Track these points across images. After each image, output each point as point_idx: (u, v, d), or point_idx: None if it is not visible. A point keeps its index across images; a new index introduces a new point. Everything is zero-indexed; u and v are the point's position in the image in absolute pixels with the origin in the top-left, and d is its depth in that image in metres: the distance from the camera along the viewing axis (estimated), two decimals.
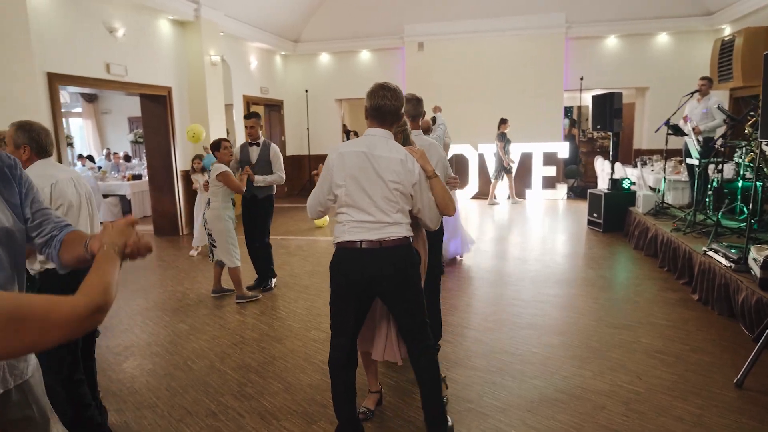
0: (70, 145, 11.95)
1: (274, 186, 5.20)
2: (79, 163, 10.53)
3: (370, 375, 2.99)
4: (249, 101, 10.69)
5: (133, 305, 5.00)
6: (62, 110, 13.64)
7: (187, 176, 8.25)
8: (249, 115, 5.16)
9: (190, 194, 8.28)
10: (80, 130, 13.79)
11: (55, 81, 5.82)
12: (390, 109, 2.44)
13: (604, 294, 4.95)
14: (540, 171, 11.16)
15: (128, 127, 13.92)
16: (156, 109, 7.84)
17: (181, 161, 8.18)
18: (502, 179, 10.65)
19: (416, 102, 3.58)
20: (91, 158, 11.30)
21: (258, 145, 5.15)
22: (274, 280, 5.39)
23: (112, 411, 3.06)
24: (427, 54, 11.74)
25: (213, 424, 2.91)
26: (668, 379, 3.26)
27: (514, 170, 10.70)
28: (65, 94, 12.98)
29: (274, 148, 4.95)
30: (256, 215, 5.13)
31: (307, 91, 12.46)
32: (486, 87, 11.55)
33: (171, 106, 7.91)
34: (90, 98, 13.18)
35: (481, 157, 11.37)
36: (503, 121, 10.25)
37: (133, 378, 3.48)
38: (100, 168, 10.27)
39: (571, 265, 5.97)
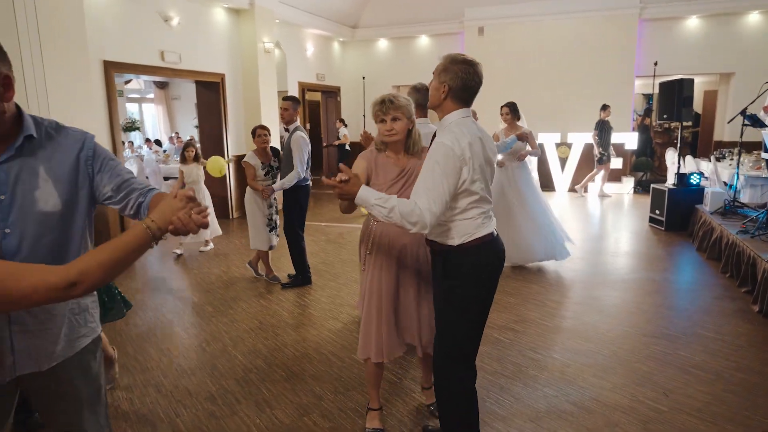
0: (138, 129, 12.67)
1: (302, 176, 4.87)
2: (145, 147, 11.14)
3: (426, 368, 2.90)
4: (304, 88, 10.81)
5: (167, 285, 5.20)
6: (137, 96, 14.51)
7: (239, 161, 8.48)
8: (285, 98, 5.03)
9: (242, 178, 8.51)
10: (152, 116, 14.60)
11: (110, 69, 6.12)
12: (478, 88, 2.17)
13: (650, 299, 4.55)
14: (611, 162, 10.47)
15: (195, 112, 14.54)
16: (209, 95, 8.10)
17: (232, 146, 8.41)
18: (599, 171, 10.04)
19: (426, 92, 3.43)
20: (158, 142, 11.92)
21: (288, 131, 5.05)
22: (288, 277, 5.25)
23: (121, 387, 3.18)
24: (487, 39, 11.31)
25: (209, 407, 2.95)
26: (700, 399, 2.93)
27: (609, 162, 9.96)
28: (140, 82, 13.76)
29: (296, 136, 4.71)
30: (285, 206, 5.00)
31: (364, 77, 12.42)
32: (548, 73, 10.98)
33: (224, 92, 8.13)
34: (161, 85, 13.89)
35: (541, 147, 10.85)
36: (603, 107, 9.63)
37: (148, 356, 3.60)
38: (164, 151, 10.81)
39: (620, 266, 5.54)
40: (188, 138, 11.26)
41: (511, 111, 5.49)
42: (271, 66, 8.86)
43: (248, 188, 4.98)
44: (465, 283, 2.16)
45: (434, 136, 2.21)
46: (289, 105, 4.86)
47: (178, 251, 6.28)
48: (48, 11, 4.95)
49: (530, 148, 5.44)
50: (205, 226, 1.35)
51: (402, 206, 1.95)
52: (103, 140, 6.09)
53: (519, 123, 5.53)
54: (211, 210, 6.08)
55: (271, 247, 5.11)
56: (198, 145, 6.48)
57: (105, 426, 1.66)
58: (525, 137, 5.36)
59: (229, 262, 5.95)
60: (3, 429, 1.52)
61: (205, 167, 6.00)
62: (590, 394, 3.01)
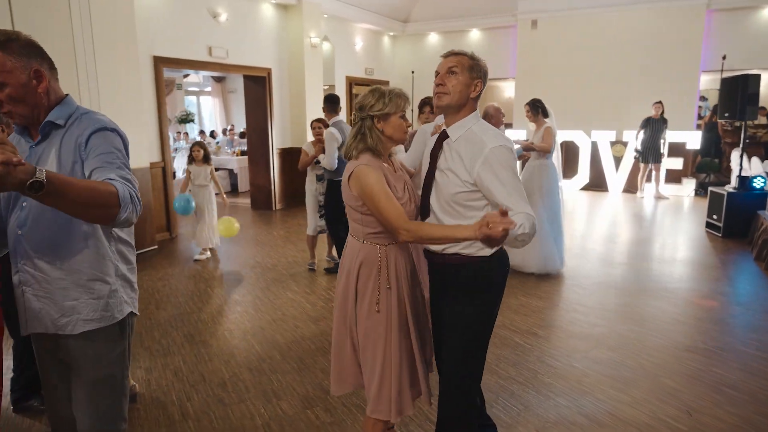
0: (192, 121, 13.18)
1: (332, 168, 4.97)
2: (199, 138, 11.59)
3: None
4: (352, 82, 10.87)
5: (202, 273, 5.40)
6: (196, 89, 15.10)
7: (283, 153, 8.67)
8: (325, 97, 5.28)
9: (285, 170, 8.71)
10: (209, 108, 15.17)
11: (160, 64, 6.39)
12: None
13: (693, 310, 4.26)
14: (663, 163, 9.91)
15: None
16: (256, 89, 8.30)
17: (277, 139, 8.59)
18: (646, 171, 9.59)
19: None
20: (212, 134, 12.37)
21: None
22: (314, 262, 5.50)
23: (141, 368, 3.34)
24: (540, 32, 10.94)
25: (219, 393, 3.04)
26: (728, 421, 2.71)
27: (658, 163, 9.44)
28: (199, 76, 14.31)
29: (329, 130, 4.84)
30: (325, 197, 5.11)
31: (413, 72, 12.33)
32: (604, 68, 10.48)
33: (270, 86, 8.31)
34: (218, 79, 14.39)
35: (594, 145, 10.43)
36: (655, 104, 9.18)
37: (172, 341, 3.75)
38: (217, 143, 11.21)
39: (665, 273, 5.23)
40: (196, 138, 11.53)
41: (531, 109, 5.25)
42: (318, 60, 8.96)
43: (308, 175, 5.27)
44: (497, 298, 1.99)
45: (440, 136, 1.98)
46: (324, 107, 5.19)
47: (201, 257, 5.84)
48: (101, 9, 5.22)
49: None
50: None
51: (523, 218, 1.66)
52: (150, 132, 6.37)
53: (547, 120, 5.20)
54: (214, 216, 5.79)
55: (318, 233, 5.36)
56: (208, 145, 6.32)
57: (107, 418, 1.68)
58: (529, 147, 5.16)
59: (265, 254, 6.10)
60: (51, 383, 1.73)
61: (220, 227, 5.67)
62: (606, 407, 2.86)
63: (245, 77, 8.30)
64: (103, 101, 5.30)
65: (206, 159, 5.66)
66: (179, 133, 12.02)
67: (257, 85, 8.31)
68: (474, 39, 11.95)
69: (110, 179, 1.44)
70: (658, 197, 9.50)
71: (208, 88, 14.90)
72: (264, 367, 3.34)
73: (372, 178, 1.85)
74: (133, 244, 1.79)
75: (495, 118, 5.22)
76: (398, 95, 1.97)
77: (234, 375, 3.25)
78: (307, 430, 2.68)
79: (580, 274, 5.20)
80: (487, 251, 1.90)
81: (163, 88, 6.52)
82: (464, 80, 1.89)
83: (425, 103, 3.91)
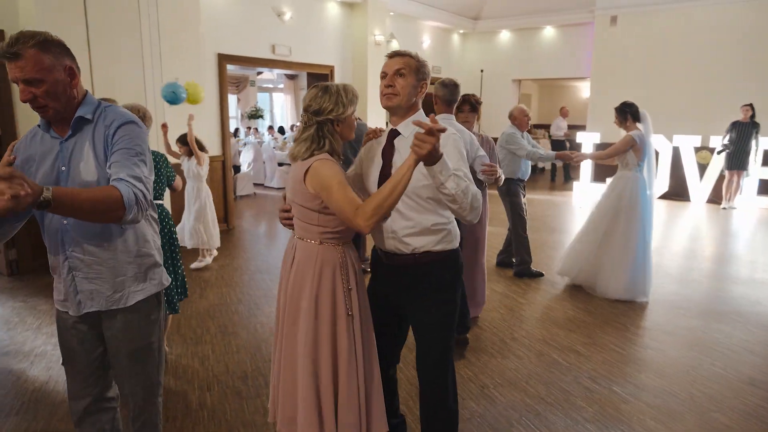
0: (261, 117, 13.62)
1: None
2: (267, 133, 11.96)
3: None
4: None
5: (251, 265, 5.52)
6: (270, 86, 15.61)
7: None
8: None
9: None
10: (281, 105, 15.65)
11: (223, 61, 6.63)
12: None
13: (764, 338, 3.79)
14: (757, 172, 8.98)
15: None
16: None
17: None
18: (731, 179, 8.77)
19: (454, 87, 3.31)
20: (282, 130, 12.73)
21: None
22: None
23: (173, 354, 3.44)
24: (620, 29, 10.27)
25: (238, 386, 3.06)
26: None
27: (743, 170, 8.60)
28: (273, 73, 14.78)
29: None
30: None
31: (482, 70, 12.03)
32: (691, 68, 9.66)
33: None
34: (291, 76, 14.78)
35: (675, 151, 9.65)
36: (743, 107, 8.42)
37: (206, 330, 3.85)
38: (284, 138, 11.50)
39: (741, 295, 4.70)
40: (264, 133, 11.59)
41: (618, 114, 4.55)
42: (382, 58, 8.92)
43: None
44: (461, 284, 2.08)
45: (390, 135, 2.03)
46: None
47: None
48: (168, 8, 5.48)
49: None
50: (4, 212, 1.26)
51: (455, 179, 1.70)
52: (212, 127, 6.61)
53: (640, 126, 4.48)
54: (212, 218, 5.25)
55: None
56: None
57: (148, 383, 1.86)
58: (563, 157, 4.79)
59: None
60: (92, 355, 1.84)
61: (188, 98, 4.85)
62: None
63: (309, 74, 8.45)
64: None
65: (190, 153, 4.98)
66: (249, 128, 12.48)
67: (320, 83, 8.41)
68: (548, 36, 11.45)
69: (119, 179, 1.56)
70: (728, 207, 8.66)
71: (281, 85, 15.36)
72: None
73: (332, 170, 1.78)
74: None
75: (519, 119, 4.94)
76: (354, 95, 1.94)
77: (256, 369, 3.27)
78: None
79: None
80: (456, 243, 1.99)
81: (225, 85, 6.76)
82: (412, 82, 1.91)
83: (465, 101, 3.74)
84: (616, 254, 4.48)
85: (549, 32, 11.43)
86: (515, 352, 3.53)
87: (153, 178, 1.73)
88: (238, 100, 14.09)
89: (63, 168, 1.66)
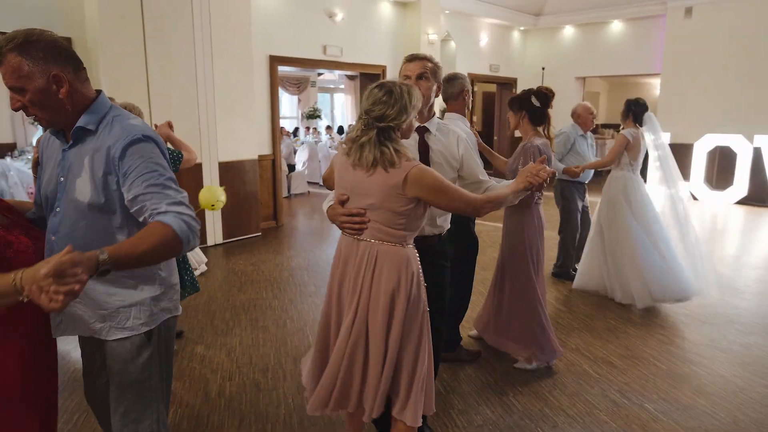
0: (318, 117, 13.87)
1: None
2: (324, 133, 12.18)
3: None
4: (474, 79, 10.57)
5: (292, 262, 5.64)
6: (331, 86, 15.90)
7: None
8: None
9: None
10: (341, 105, 15.91)
11: (275, 62, 6.82)
12: None
13: None
14: None
15: None
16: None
17: None
18: None
19: (461, 81, 3.15)
20: (341, 129, 12.94)
21: None
22: None
23: (202, 345, 3.58)
24: (695, 22, 9.56)
25: (258, 378, 3.14)
26: None
27: None
28: (335, 74, 15.03)
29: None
30: None
31: (543, 68, 11.62)
32: None
33: None
34: (351, 77, 14.97)
35: (756, 152, 8.88)
36: None
37: (238, 323, 3.97)
38: (342, 138, 11.70)
39: None
40: (322, 133, 11.35)
41: (623, 110, 4.35)
42: (435, 57, 8.82)
43: None
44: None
45: (419, 131, 2.23)
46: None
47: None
48: (220, 12, 5.71)
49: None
50: (54, 309, 1.17)
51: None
52: (262, 127, 6.81)
53: (645, 129, 4.29)
54: None
55: None
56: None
57: (131, 421, 1.65)
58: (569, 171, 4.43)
59: None
60: (90, 377, 1.82)
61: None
62: None
63: (361, 75, 8.52)
64: (217, 97, 5.81)
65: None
66: (308, 128, 12.77)
67: (371, 83, 8.47)
68: (615, 31, 10.88)
69: (162, 212, 1.44)
70: None
71: (342, 86, 15.60)
72: None
73: (434, 174, 1.87)
74: None
75: (582, 117, 4.70)
76: (418, 99, 1.90)
77: (278, 363, 3.34)
78: (324, 426, 2.65)
79: (698, 302, 4.40)
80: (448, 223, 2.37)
81: (276, 86, 6.95)
82: (431, 84, 2.27)
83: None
84: (620, 257, 4.27)
85: (616, 27, 10.85)
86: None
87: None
88: (299, 100, 14.45)
89: (62, 179, 1.55)
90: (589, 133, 4.89)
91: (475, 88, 10.68)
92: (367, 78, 8.56)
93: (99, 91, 1.59)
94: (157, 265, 1.62)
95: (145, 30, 5.17)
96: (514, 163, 3.30)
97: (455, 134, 2.29)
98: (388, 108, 1.80)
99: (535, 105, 3.30)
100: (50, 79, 1.43)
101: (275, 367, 3.29)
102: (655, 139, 4.35)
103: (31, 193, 5.65)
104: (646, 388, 3.05)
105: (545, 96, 3.27)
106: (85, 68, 1.55)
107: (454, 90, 3.09)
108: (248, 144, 6.29)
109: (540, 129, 3.37)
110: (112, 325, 1.59)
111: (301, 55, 7.16)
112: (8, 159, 6.58)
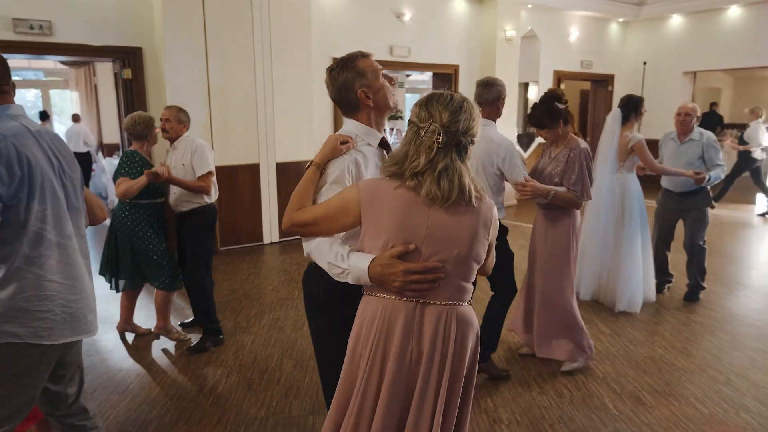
0: (400, 117, 13.84)
1: None
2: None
3: None
4: (561, 77, 9.90)
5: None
6: (423, 87, 15.77)
7: None
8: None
9: None
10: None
11: None
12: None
13: None
14: None
15: None
16: (442, 86, 8.26)
17: None
18: None
19: (495, 88, 2.99)
20: None
21: None
22: None
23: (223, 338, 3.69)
24: None
25: (253, 378, 3.15)
26: None
27: None
28: (426, 75, 14.92)
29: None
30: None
31: (645, 63, 10.55)
32: None
33: (456, 83, 8.17)
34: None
35: None
36: None
37: (258, 322, 4.03)
38: None
39: None
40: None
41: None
42: (513, 55, 8.41)
43: None
44: None
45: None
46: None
47: None
48: (279, 15, 5.88)
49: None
50: None
51: None
52: (324, 129, 6.87)
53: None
54: None
55: None
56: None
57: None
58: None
59: None
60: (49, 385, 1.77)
61: None
62: None
63: (434, 74, 8.35)
64: (276, 100, 6.00)
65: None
66: (391, 129, 12.79)
67: (443, 82, 8.28)
68: (732, 18, 9.56)
69: None
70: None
71: (431, 86, 15.48)
72: (310, 365, 3.33)
73: None
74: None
75: (675, 119, 4.26)
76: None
77: (278, 365, 3.34)
78: (284, 431, 2.59)
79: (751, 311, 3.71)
80: None
81: None
82: None
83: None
84: (626, 263, 4.09)
85: (734, 13, 9.52)
86: (557, 389, 3.03)
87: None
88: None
89: None
90: (695, 134, 4.18)
91: (563, 86, 9.97)
92: (438, 78, 8.36)
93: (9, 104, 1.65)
94: None
95: (206, 37, 5.47)
96: (567, 170, 3.06)
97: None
98: (471, 119, 1.48)
99: (562, 108, 3.13)
100: None
101: (274, 368, 3.29)
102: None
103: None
104: (682, 383, 2.60)
105: (561, 95, 3.12)
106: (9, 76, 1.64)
107: (490, 96, 3.01)
108: (307, 145, 6.41)
109: (570, 129, 3.21)
110: None
111: None
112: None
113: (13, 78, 1.68)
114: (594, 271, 4.29)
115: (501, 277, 3.01)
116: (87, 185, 9.42)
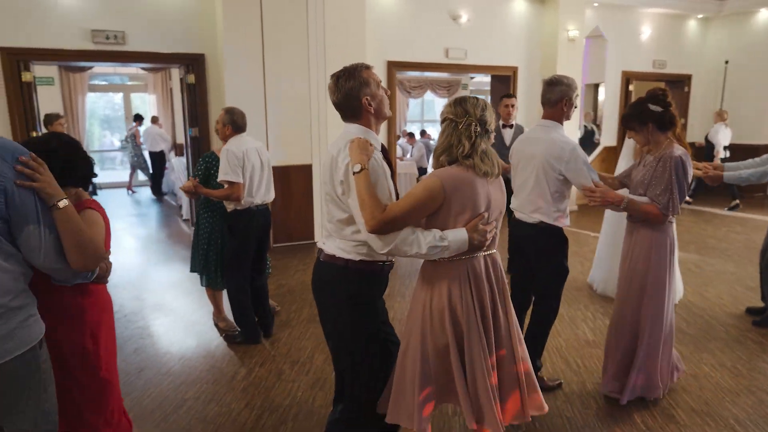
0: None
1: None
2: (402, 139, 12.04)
3: None
4: (631, 77, 9.43)
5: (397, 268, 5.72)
6: (486, 88, 15.59)
7: None
8: (510, 95, 5.26)
9: None
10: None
11: (392, 68, 6.98)
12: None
13: None
14: None
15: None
16: (500, 88, 8.13)
17: None
18: None
19: (559, 86, 2.82)
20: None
21: (511, 127, 5.06)
22: None
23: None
24: None
25: (284, 368, 3.31)
26: None
27: None
28: (488, 76, 14.74)
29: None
30: None
31: (727, 62, 9.83)
32: None
33: (515, 85, 8.02)
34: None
35: None
36: None
37: (298, 316, 4.20)
38: None
39: None
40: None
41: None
42: (576, 56, 8.13)
43: None
44: None
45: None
46: (515, 102, 5.19)
47: None
48: (334, 20, 6.07)
49: None
50: None
51: None
52: (382, 131, 7.01)
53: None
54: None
55: None
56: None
57: None
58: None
59: None
60: None
61: None
62: None
63: (492, 76, 8.26)
64: (329, 103, 6.16)
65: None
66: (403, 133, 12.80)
67: (502, 84, 8.15)
68: None
69: None
70: None
71: (487, 87, 15.26)
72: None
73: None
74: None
75: None
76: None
77: (310, 357, 3.47)
78: (304, 420, 2.70)
79: None
80: None
81: (394, 90, 7.10)
82: None
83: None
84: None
85: None
86: (584, 399, 2.93)
87: None
88: (394, 106, 14.55)
89: None
90: None
91: (631, 87, 9.50)
92: (497, 80, 8.24)
93: None
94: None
95: (264, 43, 5.75)
96: (654, 179, 2.71)
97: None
98: (491, 116, 1.95)
99: (656, 111, 2.74)
100: None
101: (305, 360, 3.43)
102: None
103: None
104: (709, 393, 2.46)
105: (662, 96, 2.76)
106: None
107: (553, 96, 2.81)
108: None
109: (670, 135, 2.78)
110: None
111: (420, 59, 7.21)
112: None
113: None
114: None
115: (548, 294, 2.92)
116: (161, 183, 10.18)
